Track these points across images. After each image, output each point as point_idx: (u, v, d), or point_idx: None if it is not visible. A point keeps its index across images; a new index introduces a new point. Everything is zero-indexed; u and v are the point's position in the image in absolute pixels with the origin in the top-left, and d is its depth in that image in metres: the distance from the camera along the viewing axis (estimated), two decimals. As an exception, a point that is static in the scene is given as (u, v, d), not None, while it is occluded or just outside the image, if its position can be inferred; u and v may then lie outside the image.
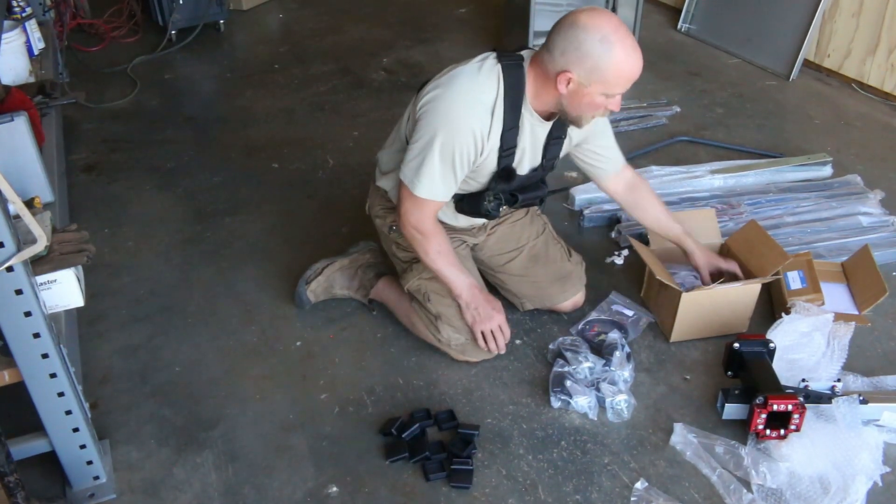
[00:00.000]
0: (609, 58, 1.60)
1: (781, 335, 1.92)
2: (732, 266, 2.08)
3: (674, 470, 1.73)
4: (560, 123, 1.84)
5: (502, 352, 1.99)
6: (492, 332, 1.94)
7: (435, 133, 1.71)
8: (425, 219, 1.83)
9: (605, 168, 2.04)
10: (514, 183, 1.85)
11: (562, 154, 1.94)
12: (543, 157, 1.88)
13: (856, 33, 3.38)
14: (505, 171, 1.82)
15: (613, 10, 3.79)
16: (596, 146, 1.99)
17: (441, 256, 1.88)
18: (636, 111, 3.27)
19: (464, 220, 2.01)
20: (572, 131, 1.89)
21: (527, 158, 1.85)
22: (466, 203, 1.89)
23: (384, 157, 2.00)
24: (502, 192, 1.85)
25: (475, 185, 1.87)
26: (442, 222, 1.96)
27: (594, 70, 1.62)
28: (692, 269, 2.20)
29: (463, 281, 1.91)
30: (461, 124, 1.70)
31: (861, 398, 1.76)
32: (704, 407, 1.88)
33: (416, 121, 1.77)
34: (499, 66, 1.72)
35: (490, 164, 1.80)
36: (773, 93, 3.48)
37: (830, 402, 1.76)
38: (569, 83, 1.65)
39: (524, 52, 1.77)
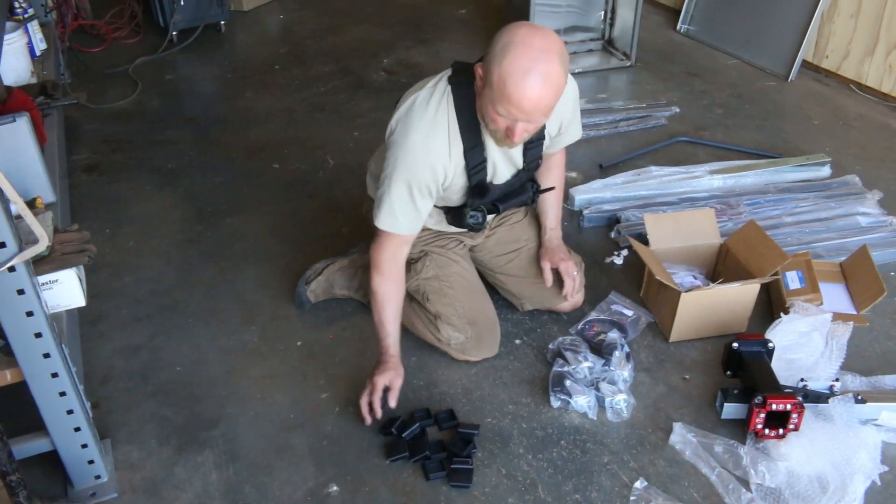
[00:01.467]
0: (498, 64, 1.52)
1: (780, 335, 1.93)
2: (565, 269, 2.04)
3: (673, 469, 1.73)
4: None
5: (368, 418, 1.80)
6: (384, 388, 1.79)
7: (393, 171, 1.71)
8: (382, 251, 1.79)
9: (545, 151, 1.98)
10: (493, 195, 1.85)
11: (544, 152, 1.92)
12: (524, 160, 1.87)
13: (854, 34, 3.39)
14: (477, 186, 1.81)
15: (613, 10, 3.80)
16: (561, 139, 1.98)
17: (377, 300, 1.81)
18: (636, 111, 3.27)
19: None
20: (549, 129, 1.87)
21: (501, 168, 1.84)
22: (453, 216, 1.90)
23: (372, 168, 2.00)
24: (482, 205, 1.85)
25: (453, 202, 1.87)
26: (441, 227, 1.98)
27: (488, 71, 1.55)
28: (692, 268, 2.21)
29: (391, 344, 1.83)
30: (417, 161, 1.70)
31: (860, 398, 1.76)
32: (703, 406, 1.89)
33: (385, 149, 1.78)
34: (448, 88, 1.70)
35: (459, 182, 1.79)
36: (772, 93, 3.48)
37: (829, 402, 1.77)
38: (480, 80, 1.62)
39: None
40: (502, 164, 1.83)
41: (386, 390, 1.80)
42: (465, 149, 1.73)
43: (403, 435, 1.79)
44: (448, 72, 1.74)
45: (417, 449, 1.75)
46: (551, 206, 2.09)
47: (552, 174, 2.06)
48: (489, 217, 1.90)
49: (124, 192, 2.80)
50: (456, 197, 1.85)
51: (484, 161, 1.78)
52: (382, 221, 1.76)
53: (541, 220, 2.11)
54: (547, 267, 2.05)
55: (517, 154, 1.84)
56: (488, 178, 1.83)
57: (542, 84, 1.51)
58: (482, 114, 1.67)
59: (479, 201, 1.84)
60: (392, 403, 1.80)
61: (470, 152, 1.74)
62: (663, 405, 1.90)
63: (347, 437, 1.82)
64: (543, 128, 1.82)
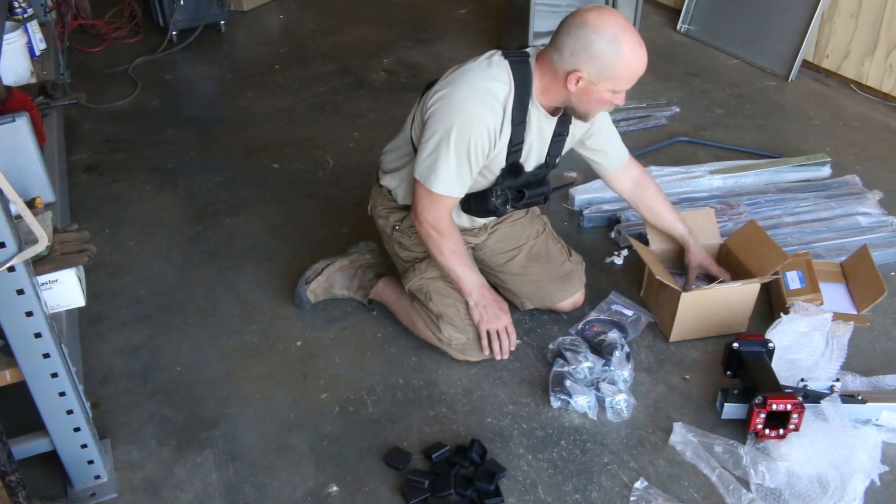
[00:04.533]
0: (618, 56, 1.64)
1: (780, 335, 1.93)
2: (722, 275, 2.09)
3: (673, 469, 1.73)
4: (563, 120, 1.85)
5: (505, 357, 2.00)
6: (497, 332, 1.96)
7: (449, 128, 1.71)
8: (442, 216, 1.85)
9: (608, 164, 2.07)
10: (521, 179, 1.87)
11: (563, 151, 1.95)
12: (547, 154, 1.90)
13: (854, 34, 3.39)
14: (513, 166, 1.83)
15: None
16: (598, 143, 2.02)
17: (455, 255, 1.90)
18: (636, 111, 3.27)
19: (467, 220, 2.02)
20: (574, 129, 1.91)
21: (534, 154, 1.87)
22: (473, 202, 1.90)
23: (388, 158, 2.01)
24: (509, 189, 1.87)
25: (484, 183, 1.88)
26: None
27: (604, 69, 1.66)
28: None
29: (474, 280, 1.94)
30: (475, 117, 1.71)
31: (860, 398, 1.76)
32: (704, 406, 1.89)
33: (425, 120, 1.78)
34: (506, 62, 1.74)
35: (500, 159, 1.82)
36: (773, 93, 3.48)
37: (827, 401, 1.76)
38: (578, 81, 1.68)
39: (528, 49, 1.79)
40: (534, 152, 1.86)
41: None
42: (513, 124, 1.76)
43: (435, 463, 1.71)
44: (495, 51, 1.78)
45: (441, 486, 1.65)
46: (668, 207, 2.14)
47: (651, 195, 2.13)
48: (508, 207, 1.92)
49: (124, 192, 2.80)
50: (490, 177, 1.86)
51: (522, 142, 1.80)
52: (441, 186, 1.77)
53: (668, 226, 2.15)
54: (694, 274, 2.14)
55: (545, 146, 1.88)
56: (521, 160, 1.85)
57: (645, 48, 1.69)
58: (586, 109, 1.75)
59: (509, 182, 1.86)
60: (515, 342, 1.99)
61: (515, 128, 1.76)
62: (663, 405, 1.90)
63: (347, 437, 1.82)
64: (567, 123, 1.87)
